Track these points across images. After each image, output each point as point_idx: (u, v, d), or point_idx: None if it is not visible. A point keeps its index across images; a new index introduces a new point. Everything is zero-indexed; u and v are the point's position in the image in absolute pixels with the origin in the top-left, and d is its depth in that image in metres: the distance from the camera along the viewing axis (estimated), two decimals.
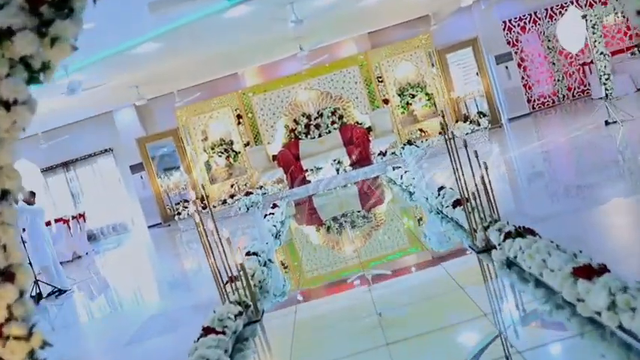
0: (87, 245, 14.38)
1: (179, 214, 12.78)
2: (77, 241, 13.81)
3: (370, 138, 13.91)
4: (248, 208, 6.88)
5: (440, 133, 12.49)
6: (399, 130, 14.64)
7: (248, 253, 6.14)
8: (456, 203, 5.53)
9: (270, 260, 6.59)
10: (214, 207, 12.72)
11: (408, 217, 7.52)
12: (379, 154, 12.67)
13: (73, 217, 13.74)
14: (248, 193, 7.06)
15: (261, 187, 12.91)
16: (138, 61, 9.24)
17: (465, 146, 5.16)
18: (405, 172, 8.89)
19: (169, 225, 14.92)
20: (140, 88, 11.77)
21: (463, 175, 4.93)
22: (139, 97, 11.72)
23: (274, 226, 8.08)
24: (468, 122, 13.14)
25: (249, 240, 8.13)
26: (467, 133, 12.51)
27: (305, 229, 9.05)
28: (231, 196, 12.80)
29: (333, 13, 10.81)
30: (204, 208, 12.77)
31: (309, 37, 12.19)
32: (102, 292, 9.19)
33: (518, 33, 15.83)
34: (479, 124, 12.61)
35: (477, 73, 15.21)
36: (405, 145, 7.57)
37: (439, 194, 6.40)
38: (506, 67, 15.38)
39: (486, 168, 4.81)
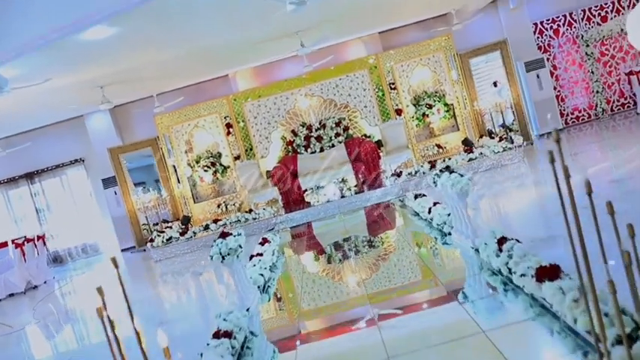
0: (46, 272, 12.26)
1: (152, 240, 10.70)
2: (33, 268, 11.69)
3: (380, 154, 11.85)
4: (224, 258, 4.79)
5: (466, 150, 10.46)
6: (413, 145, 12.60)
7: (217, 334, 4.08)
8: (545, 274, 3.45)
9: (252, 333, 4.55)
10: (194, 234, 10.65)
11: (446, 274, 5.44)
12: (393, 175, 10.60)
13: (28, 240, 11.63)
14: (224, 235, 4.95)
15: (250, 211, 10.85)
16: (90, 51, 7.19)
17: (552, 162, 2.79)
18: (435, 204, 6.82)
19: (144, 250, 12.81)
20: (106, 90, 9.70)
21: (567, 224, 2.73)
22: (104, 99, 9.65)
23: (261, 275, 5.99)
24: (497, 139, 11.11)
25: (220, 304, 6.07)
26: (497, 152, 10.48)
27: (303, 277, 6.95)
28: (215, 221, 10.73)
29: (341, 3, 8.80)
30: (184, 233, 10.71)
31: (312, 32, 10.18)
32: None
33: (550, 37, 13.83)
34: (512, 141, 10.57)
35: (495, 84, 13.21)
36: (439, 172, 5.44)
37: (500, 248, 4.34)
38: (538, 76, 13.38)
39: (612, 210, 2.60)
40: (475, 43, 13.24)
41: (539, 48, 13.77)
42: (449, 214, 6.14)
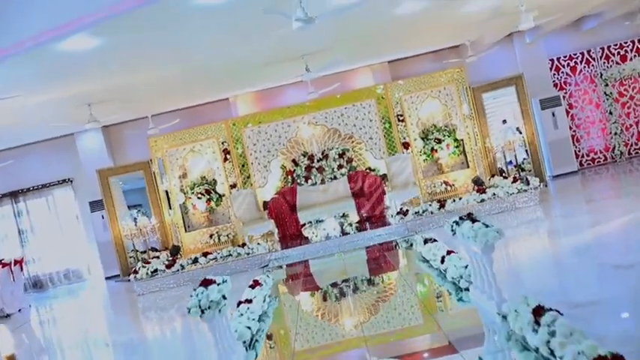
0: (22, 299, 11.40)
1: (136, 272, 9.90)
2: (7, 294, 10.85)
3: (385, 189, 11.11)
4: (203, 312, 4.01)
5: (478, 190, 9.75)
6: (419, 180, 11.88)
7: None
8: None
9: None
10: (182, 267, 9.86)
11: (459, 335, 4.66)
12: (398, 213, 9.84)
13: (4, 265, 10.82)
14: (206, 283, 4.18)
15: (244, 245, 10.07)
16: (72, 63, 6.49)
17: None
18: (449, 252, 6.05)
19: (129, 280, 11.97)
20: (94, 108, 9.00)
21: None
22: (91, 118, 8.94)
23: (248, 327, 5.20)
24: (511, 179, 10.38)
25: None
26: (511, 194, 9.75)
27: (297, 321, 6.13)
28: (205, 255, 9.95)
29: (350, 27, 8.16)
30: (170, 265, 9.92)
31: (318, 56, 9.53)
32: None
33: (567, 74, 13.22)
34: (527, 182, 9.84)
35: (504, 121, 12.59)
36: (459, 220, 4.69)
37: (537, 320, 3.58)
38: (553, 114, 12.72)
39: None
40: (489, 76, 12.61)
41: (555, 85, 13.15)
42: (466, 266, 5.38)
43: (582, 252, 6.35)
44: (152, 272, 9.81)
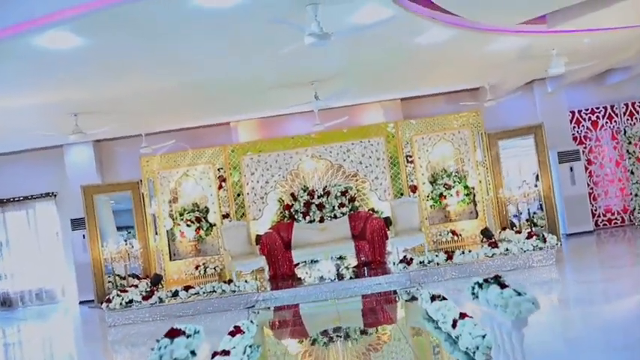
0: None
1: (109, 301, 9.02)
2: None
3: (388, 234, 10.30)
4: None
5: (490, 244, 8.95)
6: (425, 227, 11.07)
7: None
8: None
9: None
10: (160, 300, 8.98)
11: None
12: (402, 261, 9.00)
13: None
14: (173, 334, 3.34)
15: (230, 281, 9.21)
16: (53, 64, 5.75)
17: None
18: (462, 315, 5.20)
19: (102, 308, 11.05)
20: (81, 119, 8.25)
21: None
22: (76, 129, 8.20)
23: None
24: (525, 234, 9.59)
25: None
26: (525, 250, 8.94)
27: None
28: (186, 288, 9.08)
29: (365, 50, 7.46)
30: (147, 297, 9.05)
31: (329, 84, 8.84)
32: None
33: (588, 128, 12.55)
34: (544, 240, 9.04)
35: (520, 171, 11.95)
36: (484, 283, 3.88)
37: None
38: (571, 169, 12.00)
39: None
40: (506, 123, 11.92)
41: (575, 139, 12.46)
42: (484, 336, 4.55)
43: (610, 329, 5.53)
44: (127, 303, 8.93)
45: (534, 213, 11.36)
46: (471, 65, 9.58)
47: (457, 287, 8.01)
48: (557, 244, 9.07)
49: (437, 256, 8.84)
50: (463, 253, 8.91)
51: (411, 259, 8.88)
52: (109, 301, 8.98)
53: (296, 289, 9.01)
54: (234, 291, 8.86)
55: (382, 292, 8.62)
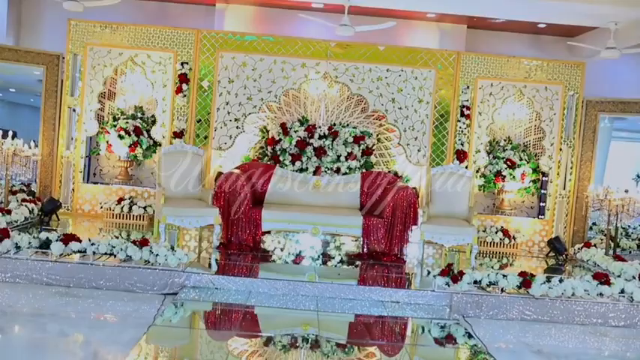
0: None
1: None
2: None
3: (419, 215, 6.51)
4: None
5: (596, 277, 5.21)
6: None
7: None
8: None
9: None
10: (18, 248, 5.16)
11: None
12: (442, 274, 5.17)
13: None
14: None
15: (145, 242, 5.34)
16: None
17: None
18: None
19: None
20: None
21: None
22: None
23: None
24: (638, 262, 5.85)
25: None
26: (627, 279, 5.25)
27: None
28: (66, 240, 5.23)
29: None
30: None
31: None
32: None
33: None
34: None
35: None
36: None
37: None
38: None
39: None
40: (612, 93, 8.09)
41: None
42: None
43: None
44: None
45: (634, 228, 7.67)
46: None
47: (535, 335, 4.40)
48: None
49: (505, 278, 5.06)
50: (548, 280, 5.11)
51: (461, 273, 5.08)
52: None
53: (253, 280, 5.19)
54: (148, 261, 5.06)
55: (397, 318, 4.89)
